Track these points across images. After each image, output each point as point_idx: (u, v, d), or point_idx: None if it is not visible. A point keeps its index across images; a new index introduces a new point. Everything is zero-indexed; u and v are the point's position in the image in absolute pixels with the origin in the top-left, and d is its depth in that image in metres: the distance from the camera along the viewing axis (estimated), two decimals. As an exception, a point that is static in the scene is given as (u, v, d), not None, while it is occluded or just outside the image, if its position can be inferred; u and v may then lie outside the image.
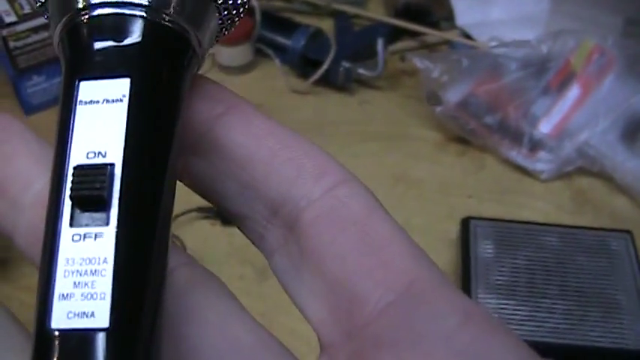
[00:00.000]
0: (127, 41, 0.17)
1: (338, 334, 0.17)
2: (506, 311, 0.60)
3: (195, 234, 0.68)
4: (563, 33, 0.80)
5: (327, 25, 0.92)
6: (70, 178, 0.16)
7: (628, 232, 0.66)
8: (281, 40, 0.88)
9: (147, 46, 0.17)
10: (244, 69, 0.89)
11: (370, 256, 0.17)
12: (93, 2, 0.17)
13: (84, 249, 0.16)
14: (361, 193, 0.18)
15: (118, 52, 0.17)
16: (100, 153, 0.16)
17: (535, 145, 0.76)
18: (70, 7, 0.17)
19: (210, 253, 0.68)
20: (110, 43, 0.17)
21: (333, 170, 0.18)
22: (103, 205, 0.16)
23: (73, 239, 0.16)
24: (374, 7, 0.98)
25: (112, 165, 0.16)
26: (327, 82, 0.85)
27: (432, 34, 0.90)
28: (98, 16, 0.17)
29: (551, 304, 0.61)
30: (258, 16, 0.89)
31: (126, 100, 0.17)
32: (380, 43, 0.84)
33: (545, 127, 0.77)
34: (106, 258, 0.15)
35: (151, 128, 0.17)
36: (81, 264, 0.15)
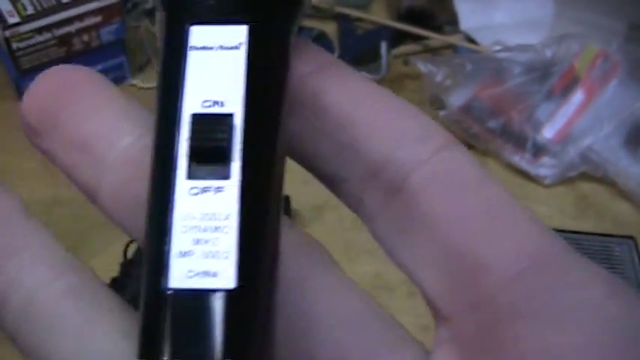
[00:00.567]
0: None
1: (459, 305, 0.16)
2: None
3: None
4: (567, 37, 0.80)
5: (330, 28, 0.92)
6: (186, 127, 0.15)
7: (631, 237, 0.66)
8: (284, 42, 0.88)
9: None
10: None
11: (491, 221, 0.16)
12: None
13: (203, 203, 0.14)
14: (468, 157, 0.17)
15: None
16: (217, 102, 0.15)
17: (538, 150, 0.76)
18: None
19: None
20: None
21: (437, 133, 0.17)
22: (224, 158, 0.15)
23: (190, 192, 0.15)
24: (377, 11, 0.97)
25: (232, 115, 0.15)
26: (330, 85, 0.85)
27: (436, 38, 0.90)
28: None
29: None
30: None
31: (243, 48, 0.16)
32: (383, 47, 0.84)
33: (548, 132, 0.77)
34: (228, 214, 0.14)
35: (269, 79, 0.16)
36: (201, 219, 0.14)
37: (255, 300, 0.14)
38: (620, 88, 0.77)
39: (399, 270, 0.17)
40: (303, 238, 0.17)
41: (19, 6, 0.76)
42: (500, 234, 0.16)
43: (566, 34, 0.80)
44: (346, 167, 0.17)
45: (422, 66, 0.79)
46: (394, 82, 0.87)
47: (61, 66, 0.18)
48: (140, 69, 0.87)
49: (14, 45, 0.76)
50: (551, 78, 0.79)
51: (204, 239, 0.14)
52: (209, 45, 0.16)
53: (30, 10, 0.76)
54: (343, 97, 0.17)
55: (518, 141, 0.76)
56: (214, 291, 0.14)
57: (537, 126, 0.77)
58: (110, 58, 0.83)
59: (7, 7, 0.76)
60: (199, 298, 0.14)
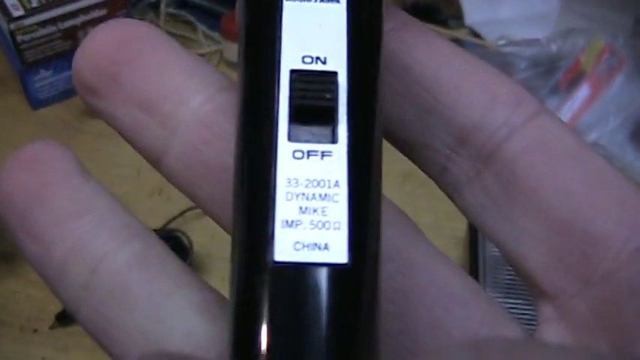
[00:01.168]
0: None
1: (569, 281, 0.15)
2: (515, 311, 0.60)
3: (202, 230, 0.68)
4: (573, 32, 0.79)
5: (335, 22, 0.92)
6: (287, 84, 0.14)
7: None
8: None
9: None
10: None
11: (598, 192, 0.15)
12: None
13: (309, 168, 0.13)
14: (564, 125, 0.16)
15: None
16: (318, 58, 0.14)
17: (544, 145, 0.76)
18: None
19: (217, 250, 0.67)
20: None
21: (528, 98, 0.16)
22: (330, 119, 0.13)
23: (294, 156, 0.13)
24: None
25: (336, 73, 0.14)
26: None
27: (441, 33, 0.90)
28: None
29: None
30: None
31: (344, 1, 0.14)
32: (388, 41, 0.83)
33: (554, 127, 0.76)
34: (337, 181, 0.13)
35: (369, 36, 0.15)
36: (307, 186, 0.13)
37: (368, 276, 0.13)
38: (626, 83, 0.77)
39: None
40: (392, 207, 0.16)
41: (24, -1, 0.76)
42: (609, 205, 0.15)
43: (572, 28, 0.80)
44: (429, 133, 0.16)
45: (427, 60, 0.79)
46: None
47: (121, 19, 0.17)
48: (145, 62, 0.86)
49: (19, 38, 0.76)
50: (557, 73, 0.78)
51: (312, 208, 0.13)
52: None
53: (35, 3, 0.76)
54: (427, 58, 0.16)
55: (524, 136, 0.76)
56: (327, 265, 0.13)
57: (543, 121, 0.77)
58: (115, 51, 0.83)
59: (11, 0, 0.76)
60: (310, 273, 0.12)
